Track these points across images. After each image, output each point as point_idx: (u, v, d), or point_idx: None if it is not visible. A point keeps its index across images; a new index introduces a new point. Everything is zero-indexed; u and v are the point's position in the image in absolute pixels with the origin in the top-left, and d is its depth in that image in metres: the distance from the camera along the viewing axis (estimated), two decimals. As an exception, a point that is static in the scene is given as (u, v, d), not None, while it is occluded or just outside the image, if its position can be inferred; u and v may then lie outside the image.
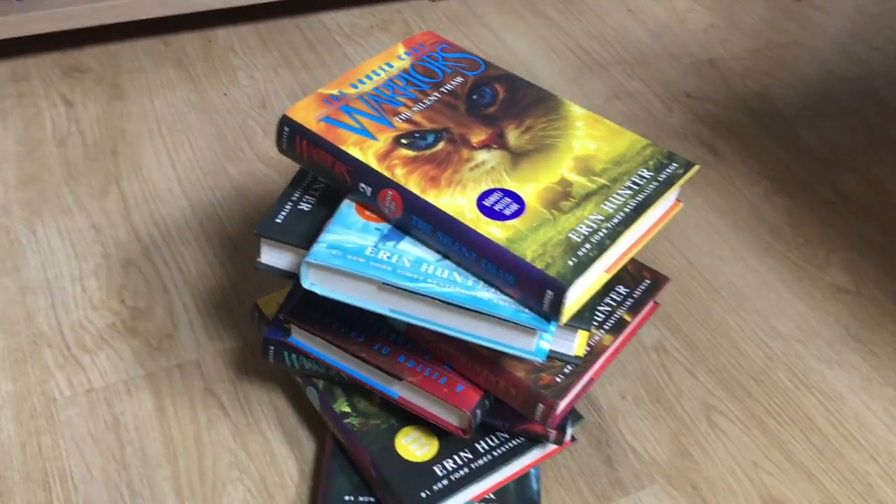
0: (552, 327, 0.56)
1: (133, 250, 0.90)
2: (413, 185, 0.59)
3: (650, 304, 0.71)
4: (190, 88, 1.12)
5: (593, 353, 0.65)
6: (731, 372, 0.85)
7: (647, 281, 0.71)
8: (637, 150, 0.64)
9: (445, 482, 0.65)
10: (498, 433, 0.69)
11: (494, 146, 0.63)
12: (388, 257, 0.59)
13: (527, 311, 0.56)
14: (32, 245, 0.89)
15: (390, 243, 0.60)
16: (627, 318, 0.68)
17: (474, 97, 0.67)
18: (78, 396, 0.77)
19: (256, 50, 1.20)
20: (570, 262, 0.55)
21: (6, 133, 1.02)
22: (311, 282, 0.60)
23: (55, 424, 0.75)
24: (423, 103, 0.66)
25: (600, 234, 0.57)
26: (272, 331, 0.70)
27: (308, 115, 0.64)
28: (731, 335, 0.89)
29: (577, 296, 0.56)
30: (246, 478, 0.72)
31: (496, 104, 0.67)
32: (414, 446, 0.67)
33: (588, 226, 0.58)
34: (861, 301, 0.94)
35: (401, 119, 0.64)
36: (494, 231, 0.57)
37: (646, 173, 0.62)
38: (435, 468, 0.66)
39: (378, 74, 0.68)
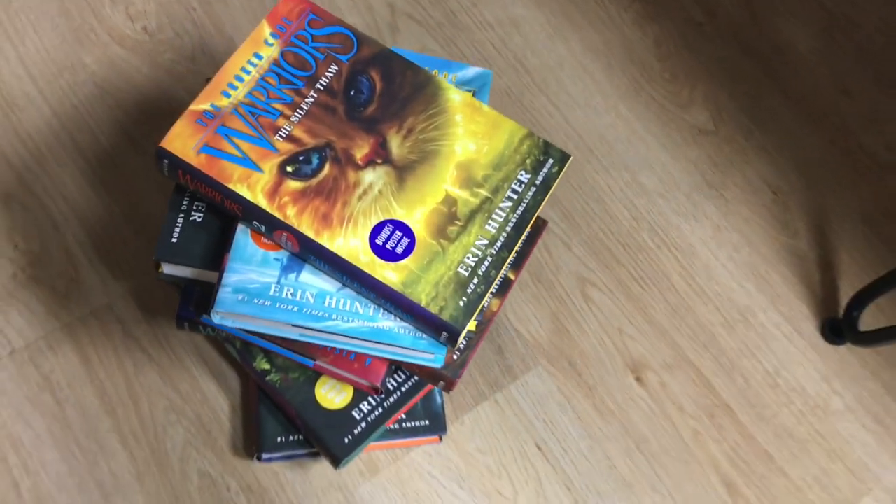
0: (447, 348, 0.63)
1: (9, 181, 0.88)
2: (306, 227, 0.62)
3: (532, 251, 0.77)
4: (12, -55, 0.99)
5: (484, 320, 0.73)
6: (602, 240, 0.95)
7: (528, 230, 0.77)
8: (515, 145, 0.66)
9: (364, 424, 0.76)
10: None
11: (379, 160, 0.64)
12: (292, 294, 0.63)
13: (424, 337, 0.63)
14: None
15: (292, 276, 0.64)
16: (512, 276, 0.75)
17: (352, 93, 0.66)
18: (3, 360, 0.81)
19: None
20: (461, 303, 0.61)
21: None
22: (221, 319, 0.64)
23: (-10, 393, 0.80)
24: (301, 109, 0.65)
25: (486, 262, 0.63)
26: (184, 310, 0.75)
27: (185, 144, 0.63)
28: (603, 198, 0.97)
29: (468, 326, 0.63)
30: (183, 419, 0.81)
31: (374, 100, 0.66)
32: (332, 394, 0.77)
33: (474, 254, 0.63)
34: (718, 142, 1.02)
35: (281, 137, 0.64)
36: (389, 275, 0.61)
37: (524, 176, 0.65)
38: (353, 413, 0.76)
39: (248, 72, 0.65)
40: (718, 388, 0.90)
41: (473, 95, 0.72)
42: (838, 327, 0.93)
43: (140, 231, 0.88)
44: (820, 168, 1.02)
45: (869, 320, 0.95)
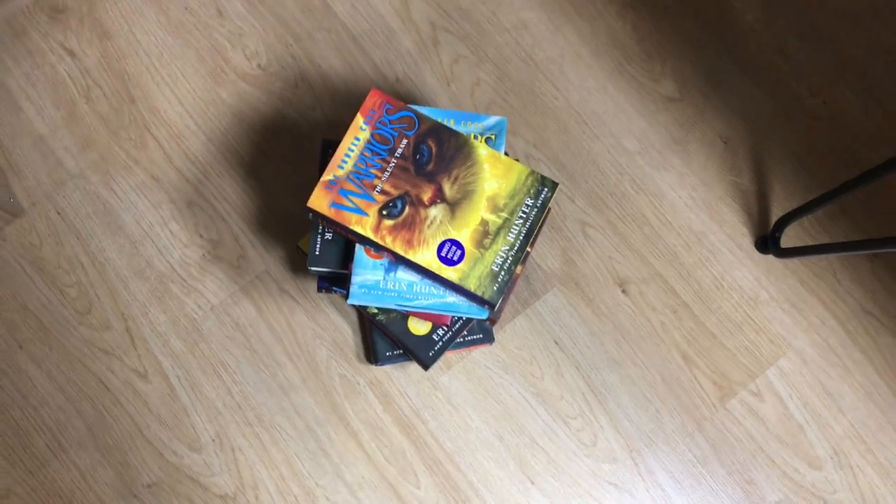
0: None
1: (188, 191, 1.31)
2: (398, 248, 1.04)
3: (541, 232, 1.18)
4: (155, 9, 1.36)
5: (511, 282, 1.15)
6: (596, 192, 1.34)
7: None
8: (522, 180, 1.06)
9: (440, 343, 1.21)
10: (462, 302, 1.22)
11: (438, 201, 1.05)
12: (392, 286, 1.06)
13: (474, 305, 1.06)
14: (120, 204, 1.30)
15: (391, 274, 1.07)
16: (530, 248, 1.16)
17: (418, 157, 1.06)
18: (207, 313, 1.27)
19: (188, -62, 1.38)
20: (495, 288, 1.04)
21: (44, 100, 1.32)
22: (351, 302, 1.08)
23: (203, 334, 1.27)
24: (387, 171, 1.05)
25: (508, 261, 1.04)
26: (322, 282, 1.19)
27: (321, 202, 1.04)
28: (596, 160, 1.35)
29: (500, 299, 1.05)
30: (325, 342, 1.27)
31: (432, 160, 1.06)
32: (418, 326, 1.21)
33: (501, 256, 1.04)
34: (683, 106, 1.38)
35: (378, 192, 1.05)
36: (451, 274, 1.04)
37: (529, 202, 1.06)
38: (433, 336, 1.21)
39: (352, 150, 1.05)
40: (679, 292, 1.31)
41: (495, 138, 1.10)
42: (767, 242, 1.33)
43: (280, 217, 1.30)
44: (760, 118, 1.37)
45: (793, 234, 1.34)
